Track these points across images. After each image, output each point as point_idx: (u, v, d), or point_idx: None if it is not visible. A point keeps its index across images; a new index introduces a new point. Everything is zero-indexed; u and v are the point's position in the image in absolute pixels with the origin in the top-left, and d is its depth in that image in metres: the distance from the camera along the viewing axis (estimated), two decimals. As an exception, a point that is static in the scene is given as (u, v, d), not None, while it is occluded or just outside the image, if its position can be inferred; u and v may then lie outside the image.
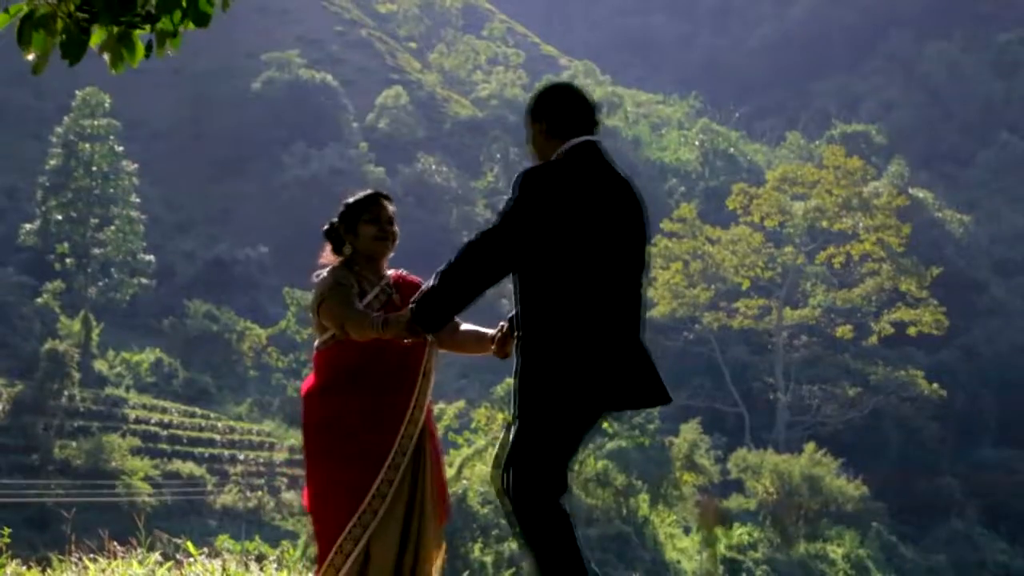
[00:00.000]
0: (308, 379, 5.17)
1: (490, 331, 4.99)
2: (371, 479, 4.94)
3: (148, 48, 4.65)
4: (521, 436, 4.46)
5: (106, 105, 51.72)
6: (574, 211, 4.45)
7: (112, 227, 51.08)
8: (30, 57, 4.53)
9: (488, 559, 31.80)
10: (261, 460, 44.51)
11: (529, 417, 4.45)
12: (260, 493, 41.83)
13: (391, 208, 5.25)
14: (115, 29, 4.52)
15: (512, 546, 30.33)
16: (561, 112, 4.64)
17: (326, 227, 5.32)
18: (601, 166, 4.58)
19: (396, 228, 5.21)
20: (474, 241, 4.49)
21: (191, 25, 4.57)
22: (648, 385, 4.54)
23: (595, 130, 4.67)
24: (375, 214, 5.18)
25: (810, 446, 44.18)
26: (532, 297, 4.48)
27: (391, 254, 5.24)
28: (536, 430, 4.44)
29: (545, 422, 4.43)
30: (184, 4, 4.51)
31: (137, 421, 43.32)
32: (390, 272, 5.25)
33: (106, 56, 4.61)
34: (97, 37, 4.56)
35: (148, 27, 4.59)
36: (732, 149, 78.19)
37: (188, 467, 41.80)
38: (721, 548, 37.69)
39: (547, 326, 4.44)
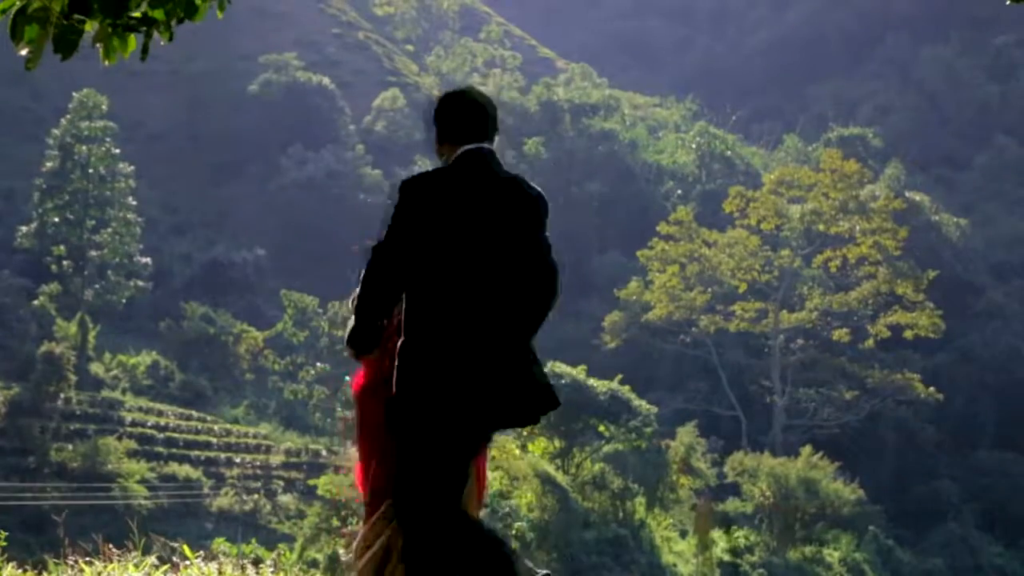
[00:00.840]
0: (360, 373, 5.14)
1: None
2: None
3: (144, 50, 4.63)
4: (400, 452, 4.49)
5: (103, 107, 51.71)
6: (441, 220, 4.45)
7: (109, 229, 51.05)
8: (23, 52, 4.51)
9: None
10: (258, 463, 44.48)
11: (403, 432, 4.46)
12: (257, 496, 41.79)
13: None
14: (108, 22, 4.50)
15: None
16: (449, 119, 4.65)
17: None
18: (481, 174, 4.54)
19: None
20: (368, 262, 4.50)
21: (181, 13, 4.55)
22: (517, 400, 4.45)
23: (486, 137, 4.64)
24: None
25: (807, 449, 44.15)
26: (407, 305, 4.51)
27: None
28: (409, 446, 4.46)
29: (414, 438, 4.44)
30: (181, 9, 4.50)
31: (133, 424, 43.28)
32: None
33: (99, 47, 4.60)
34: (90, 26, 4.55)
35: (144, 28, 4.58)
36: (729, 152, 78.16)
37: (184, 470, 41.76)
38: (718, 551, 37.68)
39: (413, 335, 4.45)
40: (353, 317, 4.58)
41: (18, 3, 4.45)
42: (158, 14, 4.53)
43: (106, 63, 4.68)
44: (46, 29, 4.42)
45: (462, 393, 4.38)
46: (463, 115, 4.65)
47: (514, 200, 4.53)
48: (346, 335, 4.64)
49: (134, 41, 4.63)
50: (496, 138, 4.70)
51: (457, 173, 4.54)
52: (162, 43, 4.68)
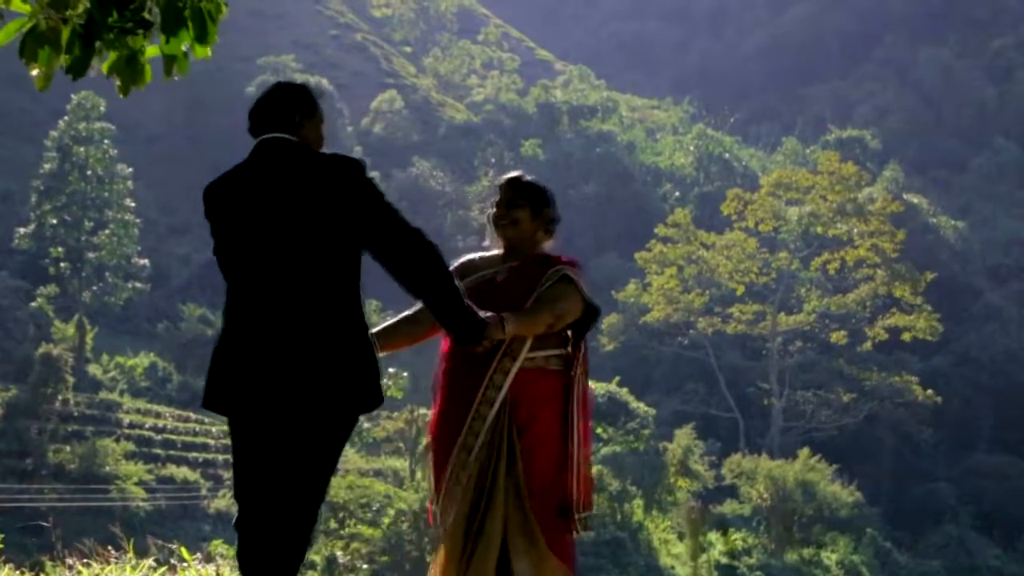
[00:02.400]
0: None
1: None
2: (448, 455, 4.91)
3: (167, 72, 4.68)
4: None
5: (101, 109, 51.64)
6: (217, 214, 4.47)
7: (107, 231, 51.00)
8: (34, 72, 4.53)
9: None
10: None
11: None
12: (254, 498, 41.72)
13: (514, 191, 5.13)
14: (125, 52, 4.52)
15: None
16: (250, 119, 4.64)
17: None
18: (258, 164, 4.48)
19: (516, 212, 5.08)
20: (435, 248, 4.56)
21: (198, 50, 4.58)
22: (279, 395, 4.29)
23: (277, 127, 4.56)
24: (499, 197, 5.15)
25: (804, 452, 44.16)
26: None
27: (517, 238, 5.11)
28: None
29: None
30: (189, 25, 4.52)
31: (131, 426, 43.24)
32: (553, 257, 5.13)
33: (116, 80, 4.64)
34: (107, 63, 4.57)
35: (154, 48, 4.61)
36: (727, 154, 78.22)
37: (182, 472, 41.72)
38: (715, 554, 37.68)
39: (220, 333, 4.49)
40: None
41: (28, 23, 4.46)
42: (173, 47, 4.55)
43: (121, 96, 4.73)
44: (58, 52, 4.43)
45: (225, 381, 4.37)
46: (254, 111, 4.63)
47: (284, 192, 4.39)
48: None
49: (150, 73, 4.67)
50: (306, 122, 4.63)
51: (241, 166, 4.54)
52: (176, 78, 4.73)
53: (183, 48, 4.67)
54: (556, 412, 4.90)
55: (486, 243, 5.25)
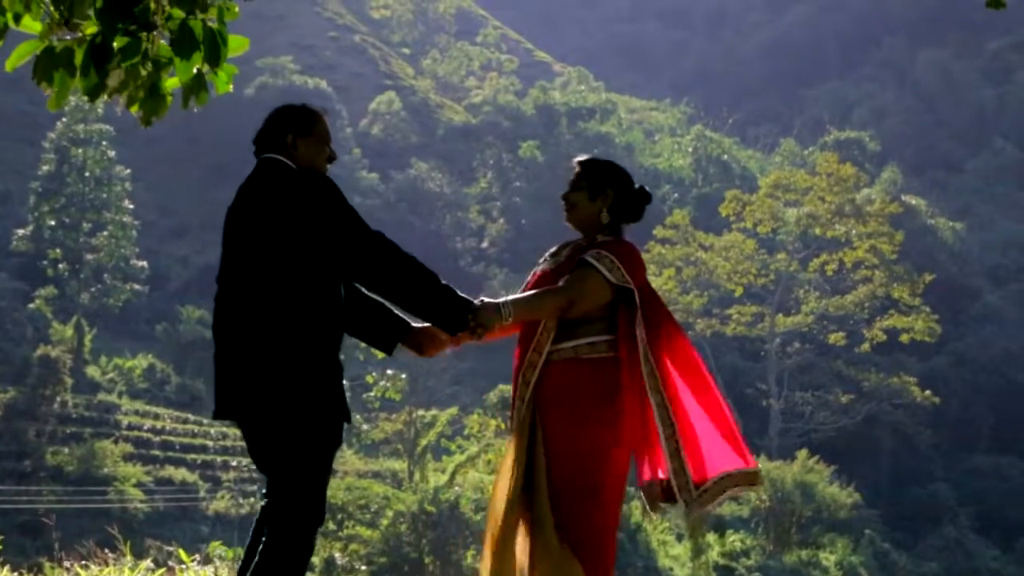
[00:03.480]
0: None
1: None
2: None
3: (184, 102, 4.73)
4: None
5: (99, 110, 51.68)
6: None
7: (105, 232, 51.01)
8: (48, 92, 4.54)
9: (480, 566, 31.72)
10: (254, 466, 44.35)
11: None
12: (253, 499, 41.74)
13: (576, 173, 5.10)
14: (142, 80, 4.55)
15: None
16: (255, 135, 4.82)
17: None
18: (241, 185, 4.66)
19: (573, 196, 5.05)
20: None
21: (220, 84, 4.62)
22: (227, 398, 4.48)
23: (266, 147, 4.70)
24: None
25: (802, 453, 44.16)
26: None
27: (579, 223, 5.10)
28: None
29: None
30: (201, 48, 4.55)
31: (129, 427, 43.23)
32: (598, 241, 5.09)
33: (138, 113, 4.69)
34: (125, 93, 4.59)
35: (174, 80, 4.63)
36: (725, 156, 78.22)
37: (181, 473, 41.72)
38: (714, 555, 37.67)
39: None
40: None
41: (42, 44, 4.45)
42: (186, 71, 4.57)
43: (143, 126, 4.78)
44: (73, 75, 4.43)
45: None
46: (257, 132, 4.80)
47: (245, 202, 4.55)
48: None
49: (168, 102, 4.72)
50: (276, 143, 4.73)
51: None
52: (196, 109, 4.78)
53: (202, 72, 4.70)
54: (594, 398, 4.80)
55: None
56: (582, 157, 5.16)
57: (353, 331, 4.91)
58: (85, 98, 4.59)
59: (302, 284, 4.41)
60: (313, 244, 4.40)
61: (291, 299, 4.40)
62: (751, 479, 4.88)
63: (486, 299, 4.72)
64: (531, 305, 4.79)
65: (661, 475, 4.88)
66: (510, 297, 4.77)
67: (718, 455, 4.87)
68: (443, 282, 4.57)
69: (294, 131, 4.73)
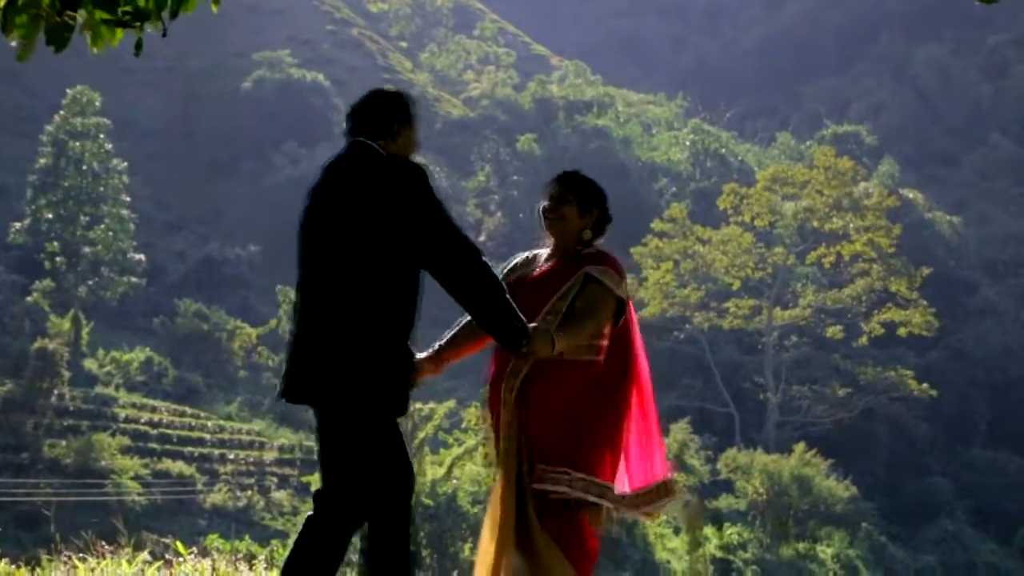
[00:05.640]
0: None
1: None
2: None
3: (138, 45, 4.61)
4: None
5: (96, 103, 51.64)
6: (303, 210, 4.70)
7: (102, 226, 50.98)
8: (13, 44, 4.50)
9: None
10: (251, 459, 44.44)
11: None
12: (250, 492, 41.77)
13: (564, 186, 5.16)
14: (99, 16, 4.48)
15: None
16: (352, 115, 4.85)
17: None
18: (331, 164, 4.70)
19: (564, 208, 5.11)
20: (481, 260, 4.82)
21: (173, 5, 4.52)
22: (305, 382, 4.57)
23: (362, 131, 4.74)
24: (551, 191, 5.17)
25: (800, 446, 44.21)
26: None
27: (563, 234, 5.14)
28: None
29: None
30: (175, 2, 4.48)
31: (127, 420, 43.25)
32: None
33: (87, 35, 4.58)
34: (81, 17, 4.53)
35: (138, 24, 4.56)
36: (723, 150, 78.19)
37: (178, 466, 41.74)
38: (711, 548, 37.73)
39: None
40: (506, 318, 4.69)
41: None
42: (149, 4, 4.51)
43: (94, 50, 4.66)
44: (36, 21, 4.39)
45: (289, 367, 4.66)
46: (353, 112, 4.85)
47: (345, 190, 4.60)
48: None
49: (121, 30, 4.61)
50: (396, 128, 4.78)
51: (328, 164, 4.76)
52: (161, 35, 4.67)
53: None
54: (568, 399, 4.89)
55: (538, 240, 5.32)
56: (568, 171, 5.25)
57: None
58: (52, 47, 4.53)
59: (396, 272, 4.57)
60: (406, 234, 4.53)
61: (387, 287, 4.55)
62: (667, 491, 5.11)
63: (538, 326, 4.78)
64: (574, 335, 4.86)
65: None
66: (559, 330, 4.80)
67: (649, 468, 5.11)
68: (508, 297, 4.70)
69: (399, 119, 4.80)
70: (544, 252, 5.19)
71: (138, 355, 49.86)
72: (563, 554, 4.81)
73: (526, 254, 5.24)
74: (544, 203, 5.13)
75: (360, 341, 4.50)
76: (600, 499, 4.86)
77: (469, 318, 4.99)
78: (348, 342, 4.50)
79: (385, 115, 4.76)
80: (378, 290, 4.52)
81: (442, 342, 5.12)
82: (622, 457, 5.03)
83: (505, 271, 5.15)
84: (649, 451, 5.11)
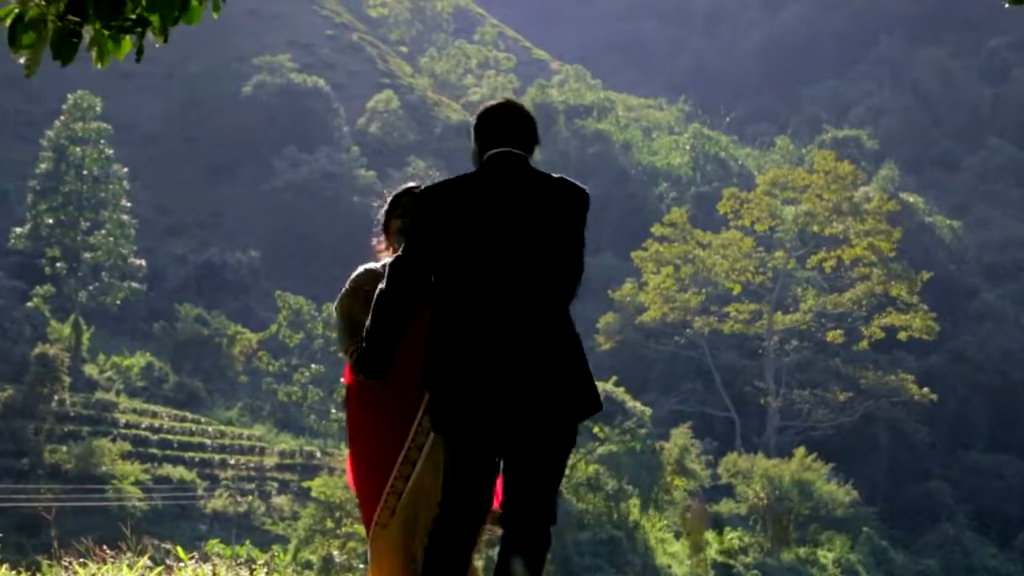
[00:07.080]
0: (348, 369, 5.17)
1: None
2: (397, 453, 5.02)
3: (139, 52, 4.62)
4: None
5: (97, 108, 51.63)
6: (457, 218, 4.48)
7: (103, 231, 50.98)
8: (21, 60, 4.51)
9: (479, 564, 31.75)
10: (251, 464, 44.45)
11: (439, 431, 4.57)
12: (250, 497, 41.77)
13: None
14: (102, 25, 4.49)
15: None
16: (479, 129, 4.75)
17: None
18: (502, 172, 4.62)
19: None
20: (386, 279, 4.56)
21: (176, 14, 4.52)
22: (531, 412, 4.39)
23: (516, 143, 4.73)
24: (406, 208, 5.09)
25: (800, 451, 44.19)
26: (434, 305, 4.55)
27: None
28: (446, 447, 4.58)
29: (445, 437, 4.54)
30: (176, 11, 4.48)
31: (127, 425, 43.24)
32: None
33: (92, 51, 4.58)
34: (88, 30, 4.53)
35: (139, 30, 4.57)
36: (723, 154, 78.24)
37: (178, 471, 41.72)
38: (712, 553, 37.70)
39: (432, 338, 4.50)
40: (366, 335, 4.62)
41: (16, 10, 4.44)
42: (153, 17, 4.52)
43: (98, 66, 4.66)
44: (43, 35, 4.41)
45: (482, 383, 4.38)
46: (490, 123, 4.75)
47: (534, 195, 4.59)
48: (357, 362, 4.71)
49: (128, 43, 4.61)
50: (535, 148, 4.84)
51: (477, 174, 4.62)
52: (157, 45, 4.67)
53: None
54: None
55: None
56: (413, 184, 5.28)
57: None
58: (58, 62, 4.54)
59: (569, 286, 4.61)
60: (575, 252, 4.59)
61: (569, 299, 4.60)
62: None
63: None
64: None
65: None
66: None
67: None
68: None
69: (536, 139, 4.91)
70: None
71: (138, 360, 49.87)
72: None
73: (375, 267, 5.23)
74: (402, 223, 5.16)
75: (569, 348, 4.51)
76: None
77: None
78: (560, 350, 4.48)
79: (534, 138, 4.87)
80: (567, 299, 4.58)
81: None
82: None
83: (351, 305, 5.10)
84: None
